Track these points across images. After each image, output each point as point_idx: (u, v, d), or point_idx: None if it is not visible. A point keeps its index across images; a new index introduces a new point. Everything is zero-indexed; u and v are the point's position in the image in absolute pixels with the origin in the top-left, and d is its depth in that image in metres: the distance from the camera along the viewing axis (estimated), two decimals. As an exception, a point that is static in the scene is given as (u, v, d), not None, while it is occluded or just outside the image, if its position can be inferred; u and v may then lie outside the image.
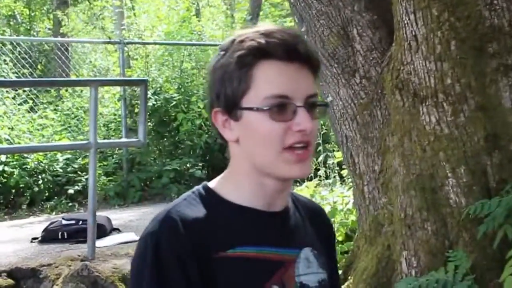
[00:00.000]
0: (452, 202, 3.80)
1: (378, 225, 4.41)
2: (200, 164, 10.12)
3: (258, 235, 1.46)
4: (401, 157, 4.07)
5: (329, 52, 4.57)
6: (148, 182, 9.94)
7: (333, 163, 6.61)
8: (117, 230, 6.79)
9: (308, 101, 1.40)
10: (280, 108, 1.37)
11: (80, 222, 6.47)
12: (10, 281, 5.27)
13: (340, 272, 4.75)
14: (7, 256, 5.80)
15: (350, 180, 5.47)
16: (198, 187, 1.51)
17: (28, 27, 16.85)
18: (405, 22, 3.95)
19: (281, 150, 1.38)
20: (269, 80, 1.39)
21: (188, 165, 10.02)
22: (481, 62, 3.81)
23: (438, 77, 3.86)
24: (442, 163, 3.85)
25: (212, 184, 1.51)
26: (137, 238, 6.34)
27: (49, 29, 16.33)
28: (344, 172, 6.28)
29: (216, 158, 10.46)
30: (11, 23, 16.77)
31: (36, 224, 7.57)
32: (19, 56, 11.35)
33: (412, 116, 3.97)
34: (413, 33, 3.92)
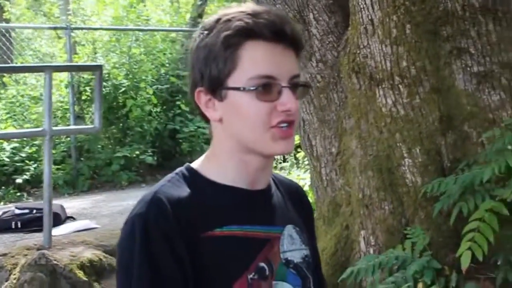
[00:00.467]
0: (408, 182, 3.88)
1: (336, 206, 4.46)
2: (150, 151, 10.11)
3: (243, 214, 1.49)
4: (358, 139, 4.15)
5: None
6: (97, 170, 9.89)
7: None
8: (71, 218, 6.78)
9: (292, 82, 1.44)
10: (266, 88, 1.41)
11: (34, 211, 6.46)
12: (-36, 273, 5.27)
13: None
14: (-39, 247, 5.79)
15: (306, 162, 5.50)
16: (181, 169, 1.53)
17: None
18: (361, 6, 4.01)
19: (268, 128, 1.43)
20: (256, 60, 1.42)
21: (138, 152, 9.97)
22: (436, 45, 3.89)
23: (394, 60, 3.92)
24: (398, 144, 3.92)
25: (195, 165, 1.54)
26: (93, 225, 6.44)
27: None
28: (300, 155, 6.29)
29: (166, 144, 10.56)
30: None
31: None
32: None
33: (369, 98, 4.04)
34: (369, 17, 3.98)
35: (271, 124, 1.43)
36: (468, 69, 3.86)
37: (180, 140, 10.43)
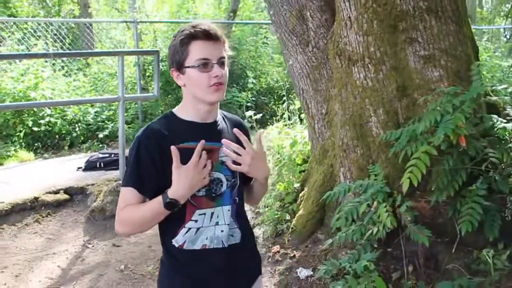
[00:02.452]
0: (374, 134, 4.04)
1: (324, 151, 4.63)
2: None
3: (196, 135, 1.94)
4: (339, 103, 4.28)
5: (290, 29, 4.74)
6: None
7: (294, 109, 6.70)
8: None
9: (219, 60, 1.93)
10: (204, 65, 1.91)
11: (112, 155, 6.76)
12: (67, 196, 5.62)
13: (298, 185, 5.01)
14: (62, 179, 6.08)
15: (306, 121, 5.70)
16: (167, 112, 2.05)
17: (58, 9, 16.56)
18: (343, 7, 4.13)
19: (207, 87, 1.91)
20: (197, 50, 1.91)
21: None
22: (394, 36, 3.99)
23: (365, 46, 4.05)
24: (367, 106, 4.07)
25: (174, 110, 2.03)
26: None
27: (73, 10, 16.06)
28: (303, 116, 6.40)
29: None
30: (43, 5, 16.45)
31: (77, 160, 7.76)
32: (51, 33, 11.23)
33: (347, 74, 4.17)
34: (348, 15, 4.10)
35: (209, 84, 1.91)
36: (417, 53, 3.95)
37: (219, 107, 10.31)
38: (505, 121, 3.68)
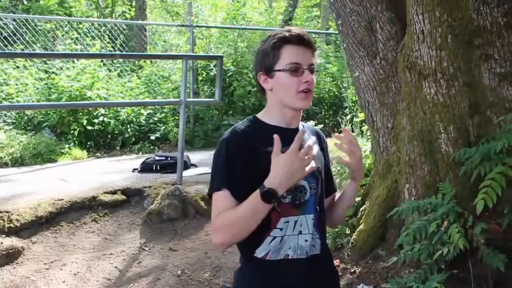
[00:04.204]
0: (443, 151, 3.98)
1: (388, 166, 4.58)
2: None
3: (283, 140, 1.86)
4: (407, 118, 4.23)
5: (358, 40, 4.70)
6: (209, 133, 9.98)
7: (357, 121, 6.62)
8: (194, 165, 7.11)
9: (310, 67, 1.94)
10: (295, 69, 1.92)
11: (169, 158, 6.82)
12: (124, 197, 5.69)
13: (359, 199, 4.89)
14: (119, 180, 6.18)
15: (368, 134, 5.42)
16: (249, 117, 2.05)
17: (111, 10, 16.90)
18: (415, 20, 4.08)
19: (296, 93, 1.92)
20: (289, 55, 1.93)
21: (239, 121, 9.86)
22: (469, 51, 3.93)
23: (437, 61, 3.99)
24: (437, 122, 4.01)
25: (257, 115, 2.05)
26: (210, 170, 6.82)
27: (124, 12, 16.22)
28: (364, 128, 6.29)
29: None
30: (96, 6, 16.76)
31: (130, 160, 7.92)
32: (104, 34, 11.42)
33: (417, 88, 4.13)
34: (421, 28, 4.05)
35: (298, 90, 1.93)
36: (493, 70, 3.89)
37: None
38: None
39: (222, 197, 1.87)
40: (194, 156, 7.80)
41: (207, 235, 5.05)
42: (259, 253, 1.93)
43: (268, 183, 1.77)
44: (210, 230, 1.87)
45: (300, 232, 1.96)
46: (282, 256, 1.93)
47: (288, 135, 1.93)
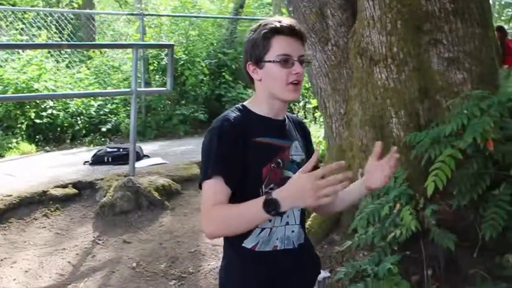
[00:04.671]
0: (394, 135, 4.06)
1: (342, 152, 4.60)
2: (202, 110, 10.07)
3: (270, 131, 1.92)
4: (359, 103, 4.29)
5: (309, 26, 4.68)
6: (161, 123, 9.88)
7: (309, 107, 6.62)
8: (147, 156, 7.00)
9: (300, 58, 1.90)
10: (285, 61, 1.88)
11: (121, 149, 6.71)
12: (75, 191, 5.56)
13: None
14: (69, 174, 6.04)
15: (321, 120, 5.50)
16: (237, 105, 1.99)
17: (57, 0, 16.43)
18: (366, 6, 4.14)
19: (286, 84, 1.89)
20: (280, 46, 1.88)
21: (192, 110, 9.96)
22: (418, 37, 4.02)
23: (388, 46, 4.06)
24: (388, 107, 4.08)
25: (245, 103, 2.00)
26: (163, 161, 6.63)
27: (71, 1, 15.87)
28: (317, 115, 6.34)
29: (213, 106, 10.46)
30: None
31: (80, 153, 7.73)
32: (51, 24, 11.02)
33: (368, 74, 4.19)
34: (371, 14, 4.11)
35: (288, 81, 1.89)
36: (441, 55, 3.99)
37: (224, 103, 10.33)
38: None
39: (214, 184, 1.82)
40: (147, 147, 7.70)
41: (161, 226, 5.02)
42: (248, 244, 1.91)
43: (276, 193, 1.69)
44: (202, 218, 1.79)
45: (287, 223, 1.96)
46: (271, 248, 1.93)
47: (278, 127, 1.98)
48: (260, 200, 1.69)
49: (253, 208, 1.70)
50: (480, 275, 3.40)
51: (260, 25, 1.94)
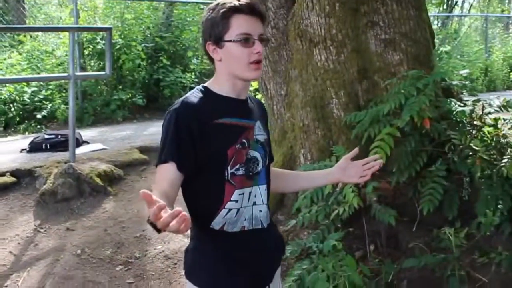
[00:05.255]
0: (335, 115, 4.13)
1: (284, 133, 4.64)
2: (140, 95, 9.94)
3: (233, 111, 1.92)
4: (300, 84, 4.33)
5: None
6: (98, 109, 9.70)
7: (250, 90, 6.62)
8: (86, 142, 6.88)
9: (260, 37, 1.89)
10: (246, 40, 1.86)
11: (59, 136, 6.55)
12: (13, 179, 5.42)
13: None
14: (6, 162, 5.88)
15: (263, 101, 5.64)
16: (199, 87, 1.98)
17: None
18: None
19: (247, 63, 1.88)
20: (240, 25, 1.87)
21: (130, 95, 9.81)
22: (356, 19, 4.10)
23: (327, 28, 4.12)
24: (328, 88, 4.15)
25: (206, 84, 1.98)
26: (103, 147, 6.53)
27: None
28: (258, 97, 6.36)
29: (151, 90, 10.42)
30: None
31: (16, 141, 7.55)
32: None
33: (308, 56, 4.23)
34: None
35: (249, 61, 1.88)
36: (378, 36, 4.09)
37: (162, 87, 10.30)
38: (462, 105, 3.88)
39: (166, 168, 1.81)
40: (85, 133, 7.55)
41: (105, 212, 4.94)
42: (215, 225, 1.90)
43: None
44: None
45: (255, 203, 1.96)
46: (238, 228, 1.92)
47: (241, 107, 1.96)
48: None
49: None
50: (420, 248, 3.52)
51: (218, 4, 1.90)
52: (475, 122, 3.78)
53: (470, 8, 22.05)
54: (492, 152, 3.64)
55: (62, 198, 5.03)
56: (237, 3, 1.88)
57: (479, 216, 3.41)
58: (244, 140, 1.92)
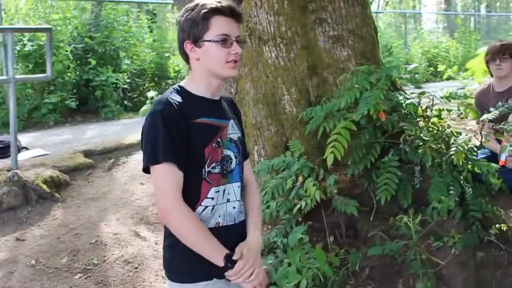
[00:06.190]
0: (287, 111, 4.20)
1: None
2: (72, 97, 9.64)
3: (209, 111, 1.98)
4: (251, 82, 4.37)
5: None
6: (27, 113, 9.28)
7: None
8: (25, 148, 6.62)
9: (237, 38, 1.98)
10: (224, 41, 1.94)
11: None
12: (-50, 189, 5.08)
13: None
14: None
15: None
16: (175, 86, 2.03)
17: None
18: None
19: (225, 62, 1.94)
20: (220, 26, 1.94)
21: (61, 98, 9.43)
22: (305, 16, 4.18)
23: (276, 26, 4.19)
24: (280, 85, 4.21)
25: (182, 84, 2.03)
26: (44, 152, 6.32)
27: None
28: None
29: (83, 92, 10.13)
30: None
31: None
32: None
33: (258, 53, 4.29)
34: None
35: (227, 60, 1.95)
36: (326, 33, 4.19)
37: (93, 88, 10.01)
38: (410, 97, 4.02)
39: (169, 170, 1.86)
40: (19, 139, 7.13)
41: (55, 219, 4.75)
42: None
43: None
44: (160, 201, 1.77)
45: (228, 200, 2.02)
46: (213, 225, 1.97)
47: (215, 107, 2.01)
48: (222, 254, 1.89)
49: (216, 252, 1.89)
50: (379, 237, 3.62)
51: (197, 4, 1.95)
52: (423, 114, 3.91)
53: (386, 4, 22.91)
54: (438, 141, 3.79)
55: (8, 207, 4.79)
56: (218, 5, 1.94)
57: (433, 202, 3.54)
58: (219, 139, 2.00)
